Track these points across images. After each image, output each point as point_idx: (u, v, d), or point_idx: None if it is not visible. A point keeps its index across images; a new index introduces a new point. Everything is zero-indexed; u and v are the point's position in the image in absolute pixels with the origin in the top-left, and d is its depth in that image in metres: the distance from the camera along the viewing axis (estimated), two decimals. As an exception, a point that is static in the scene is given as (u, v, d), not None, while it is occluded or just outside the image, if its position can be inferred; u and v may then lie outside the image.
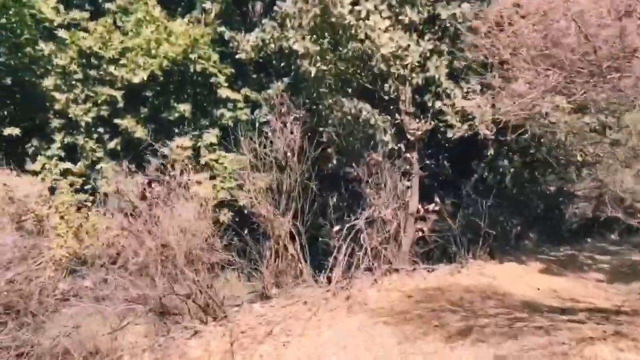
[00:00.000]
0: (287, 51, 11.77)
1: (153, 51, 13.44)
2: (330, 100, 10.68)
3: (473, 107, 11.33)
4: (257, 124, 11.78)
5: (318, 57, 9.95)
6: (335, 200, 11.08)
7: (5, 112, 13.64)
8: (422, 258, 10.76)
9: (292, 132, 9.97)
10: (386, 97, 11.00)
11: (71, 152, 13.96)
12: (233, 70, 14.41)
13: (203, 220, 9.51)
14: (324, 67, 10.10)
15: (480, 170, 14.38)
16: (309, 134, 11.40)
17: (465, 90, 11.49)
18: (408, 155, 10.90)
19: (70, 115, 13.62)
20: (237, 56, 12.94)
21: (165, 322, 8.93)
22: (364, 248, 9.59)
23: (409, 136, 10.86)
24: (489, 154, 13.51)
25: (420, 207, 11.22)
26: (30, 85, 13.79)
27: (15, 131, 13.42)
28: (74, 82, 13.66)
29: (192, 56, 13.68)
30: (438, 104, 11.48)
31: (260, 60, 13.04)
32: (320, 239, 10.24)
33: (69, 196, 10.45)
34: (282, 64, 13.32)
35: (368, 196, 10.12)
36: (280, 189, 9.85)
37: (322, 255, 10.10)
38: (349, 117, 11.63)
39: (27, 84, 13.80)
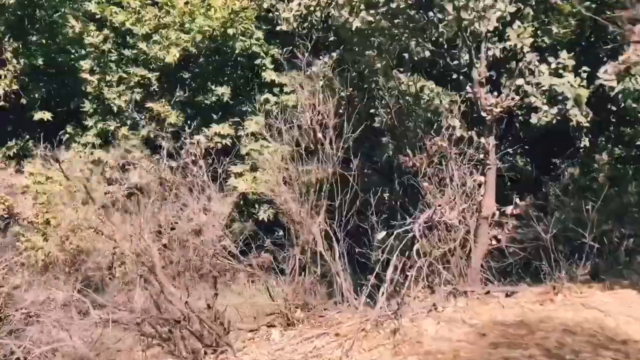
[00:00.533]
0: (335, 22, 8.76)
1: (187, 25, 10.85)
2: (379, 65, 7.54)
3: (564, 86, 7.82)
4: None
5: (362, 6, 6.86)
6: (386, 196, 7.93)
7: (36, 95, 11.39)
8: (497, 276, 7.43)
9: (324, 103, 6.92)
10: (453, 66, 7.77)
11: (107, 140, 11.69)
12: (281, 51, 11.60)
13: (213, 217, 6.69)
14: (370, 19, 6.99)
15: (569, 165, 10.84)
16: (358, 115, 8.41)
17: (553, 65, 7.93)
18: (483, 140, 7.60)
19: (102, 99, 11.32)
20: (277, 27, 10.13)
21: (155, 350, 6.15)
22: (419, 262, 6.40)
23: (484, 114, 7.53)
24: (582, 145, 9.99)
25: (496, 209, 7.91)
26: (64, 66, 11.60)
27: (46, 115, 11.25)
28: (106, 62, 11.31)
29: (231, 31, 10.96)
30: (520, 81, 8.13)
31: (304, 30, 10.08)
32: (360, 248, 7.13)
33: (57, 185, 7.92)
34: (330, 39, 10.33)
35: (427, 193, 6.91)
36: (308, 180, 6.86)
37: (362, 270, 7.01)
38: (408, 98, 8.52)
39: (61, 65, 11.61)
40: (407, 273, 6.28)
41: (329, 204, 7.08)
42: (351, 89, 8.68)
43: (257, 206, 10.91)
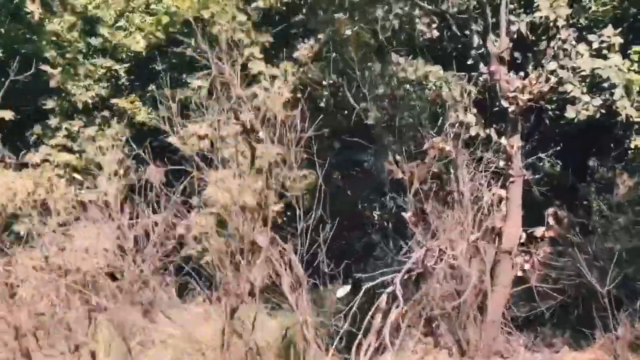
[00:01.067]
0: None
1: (153, 6, 8.77)
2: (349, 32, 5.22)
3: (610, 71, 5.91)
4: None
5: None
6: (376, 215, 5.55)
7: (-5, 91, 9.50)
8: (524, 329, 4.98)
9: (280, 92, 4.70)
10: (464, 42, 5.39)
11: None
12: (271, 39, 9.39)
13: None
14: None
15: (610, 169, 8.48)
16: (345, 111, 6.15)
17: (595, 45, 6.04)
18: (504, 141, 5.18)
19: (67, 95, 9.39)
20: (253, 4, 7.97)
21: None
22: (403, 325, 4.00)
23: (505, 105, 5.10)
24: (633, 145, 7.55)
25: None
26: (29, 59, 9.70)
27: (8, 115, 9.36)
28: (70, 53, 9.36)
29: (206, 13, 8.80)
30: (552, 65, 5.93)
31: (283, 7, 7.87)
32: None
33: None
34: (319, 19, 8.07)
35: (413, 220, 4.46)
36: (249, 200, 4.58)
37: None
38: (408, 86, 6.19)
39: (25, 57, 9.71)
40: (386, 343, 3.89)
41: (291, 231, 4.76)
42: (335, 75, 6.38)
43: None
